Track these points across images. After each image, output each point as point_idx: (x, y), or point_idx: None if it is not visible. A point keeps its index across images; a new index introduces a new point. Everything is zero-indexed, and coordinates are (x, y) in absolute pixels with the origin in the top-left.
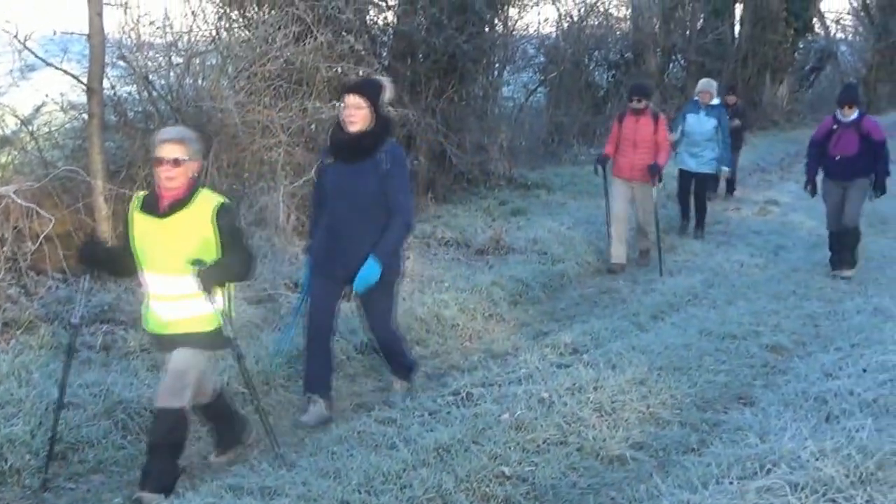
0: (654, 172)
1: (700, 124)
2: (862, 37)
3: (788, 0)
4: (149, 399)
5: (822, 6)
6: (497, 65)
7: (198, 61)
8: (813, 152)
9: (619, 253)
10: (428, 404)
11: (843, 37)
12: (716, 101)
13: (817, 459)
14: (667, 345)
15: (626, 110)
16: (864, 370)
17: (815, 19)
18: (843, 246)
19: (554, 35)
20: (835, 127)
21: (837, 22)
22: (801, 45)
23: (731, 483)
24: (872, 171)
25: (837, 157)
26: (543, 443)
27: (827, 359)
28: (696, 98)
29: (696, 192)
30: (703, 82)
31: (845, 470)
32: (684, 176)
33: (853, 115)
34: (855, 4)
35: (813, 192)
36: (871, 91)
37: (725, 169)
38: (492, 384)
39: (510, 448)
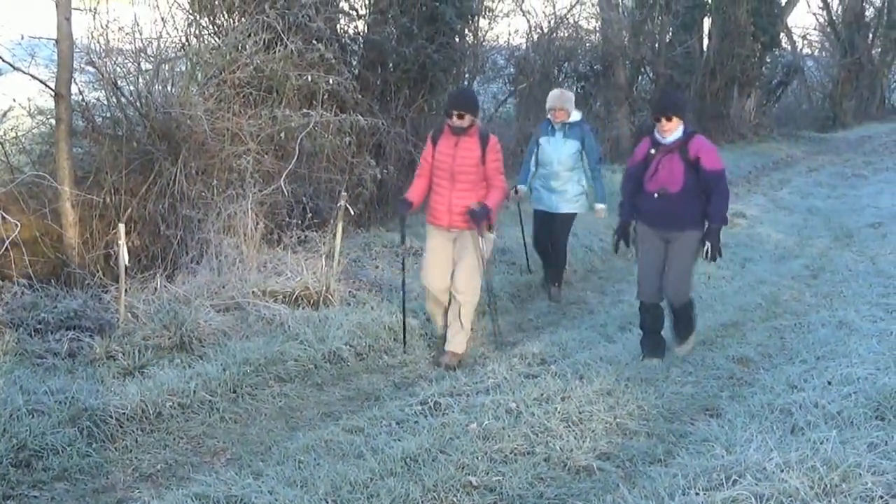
0: (478, 218)
1: (556, 150)
2: (828, 52)
3: (756, 15)
4: (115, 406)
5: (789, 21)
6: (467, 75)
7: (167, 68)
8: (627, 187)
9: (442, 332)
10: (395, 413)
11: (810, 52)
12: (575, 117)
13: (782, 471)
14: (634, 356)
15: (442, 127)
16: (829, 383)
17: (782, 34)
18: (659, 327)
19: (524, 46)
20: (652, 151)
21: (804, 37)
22: (769, 60)
23: (697, 494)
24: (701, 221)
25: (655, 195)
26: (511, 453)
27: (792, 371)
28: (548, 116)
29: (554, 238)
30: (554, 95)
31: (810, 481)
32: (541, 218)
33: (675, 132)
34: (821, 20)
35: (616, 248)
36: (836, 106)
37: (601, 206)
38: (459, 394)
39: (477, 458)
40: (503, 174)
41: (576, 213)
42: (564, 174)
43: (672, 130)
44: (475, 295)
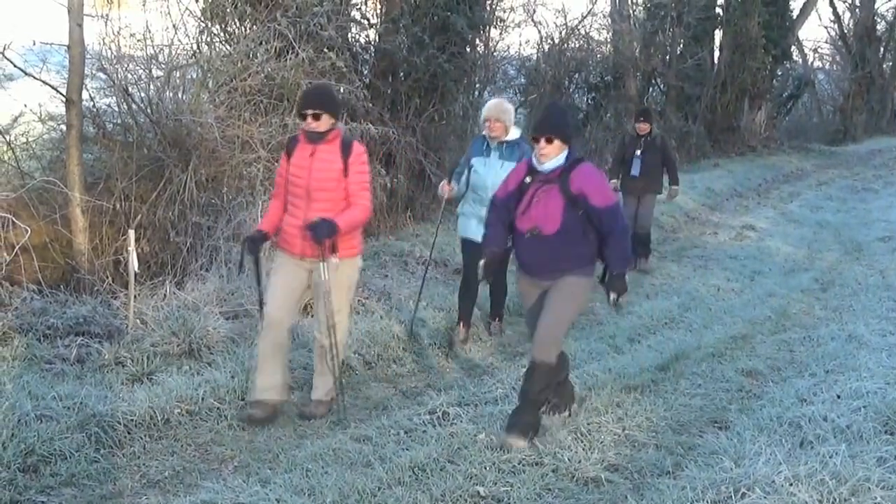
0: (317, 234)
1: (491, 174)
2: (839, 66)
3: (767, 27)
4: (123, 413)
5: (801, 34)
6: (478, 85)
7: (178, 75)
8: (491, 218)
9: (267, 382)
10: (404, 423)
11: (821, 65)
12: (514, 135)
13: (791, 484)
14: (643, 367)
15: (298, 135)
16: (839, 396)
17: (793, 47)
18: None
19: (535, 57)
20: (527, 179)
21: (815, 50)
22: (780, 73)
23: None
24: (588, 263)
25: (527, 235)
26: (519, 463)
27: (801, 384)
28: (483, 132)
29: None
30: (491, 104)
31: (819, 495)
32: (470, 250)
33: (555, 158)
34: (833, 34)
35: (484, 278)
36: (847, 120)
37: None
38: (468, 404)
39: (486, 468)
40: (369, 191)
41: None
42: None
43: (550, 155)
44: (344, 333)
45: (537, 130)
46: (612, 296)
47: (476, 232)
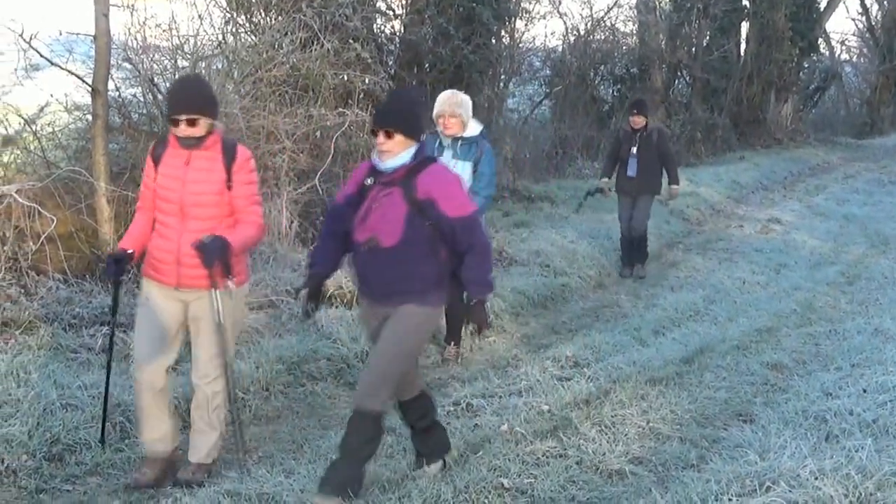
0: (208, 256)
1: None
2: (867, 58)
3: (794, 19)
4: None
5: (828, 26)
6: (503, 76)
7: (203, 65)
8: (328, 228)
9: (155, 434)
10: None
11: (848, 58)
12: (473, 130)
13: (816, 478)
14: (667, 360)
15: (166, 138)
16: (864, 390)
17: (820, 39)
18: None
19: (560, 48)
20: (368, 181)
21: (843, 43)
22: (806, 65)
23: (730, 500)
24: (435, 288)
25: (364, 247)
26: (543, 455)
27: (827, 378)
28: (437, 128)
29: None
30: (444, 97)
31: (844, 490)
32: None
33: (398, 156)
34: (860, 26)
35: (305, 313)
36: (874, 112)
37: None
38: (492, 396)
39: (509, 460)
40: (260, 205)
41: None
42: None
43: (393, 153)
44: (231, 377)
45: (375, 121)
46: (472, 328)
47: None
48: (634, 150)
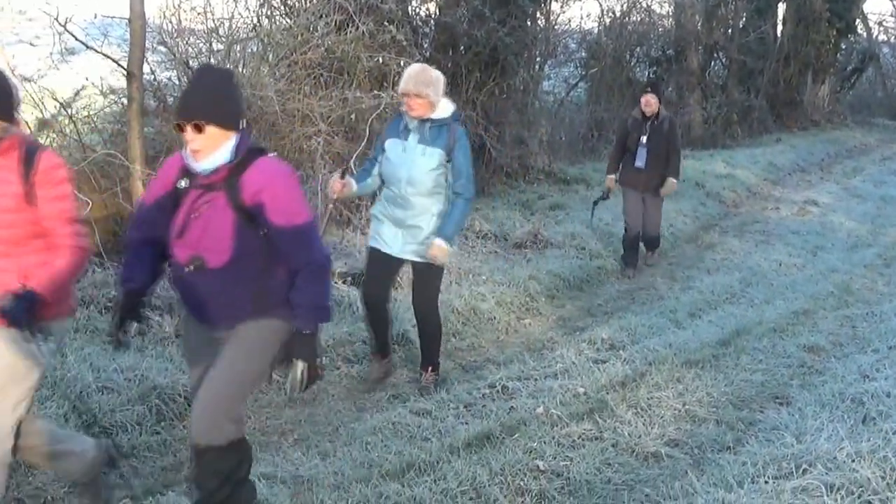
0: (14, 316)
1: (406, 160)
2: None
3: (831, 0)
4: (184, 385)
5: (865, 7)
6: (538, 59)
7: (238, 48)
8: (135, 239)
9: None
10: (463, 397)
11: (886, 39)
12: (444, 112)
13: (853, 461)
14: (704, 342)
15: None
16: None
17: (857, 20)
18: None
19: (596, 30)
20: (183, 183)
21: (880, 24)
22: (844, 46)
23: (766, 482)
24: (280, 303)
25: (187, 268)
26: (578, 438)
27: (864, 360)
28: (401, 110)
29: (418, 300)
30: (411, 73)
31: (881, 472)
32: (377, 261)
33: (214, 154)
34: None
35: (115, 340)
36: None
37: (440, 242)
38: (528, 378)
39: (545, 442)
40: (75, 223)
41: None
42: (419, 201)
43: (207, 151)
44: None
45: (178, 113)
46: (300, 367)
47: (390, 242)
48: (644, 139)
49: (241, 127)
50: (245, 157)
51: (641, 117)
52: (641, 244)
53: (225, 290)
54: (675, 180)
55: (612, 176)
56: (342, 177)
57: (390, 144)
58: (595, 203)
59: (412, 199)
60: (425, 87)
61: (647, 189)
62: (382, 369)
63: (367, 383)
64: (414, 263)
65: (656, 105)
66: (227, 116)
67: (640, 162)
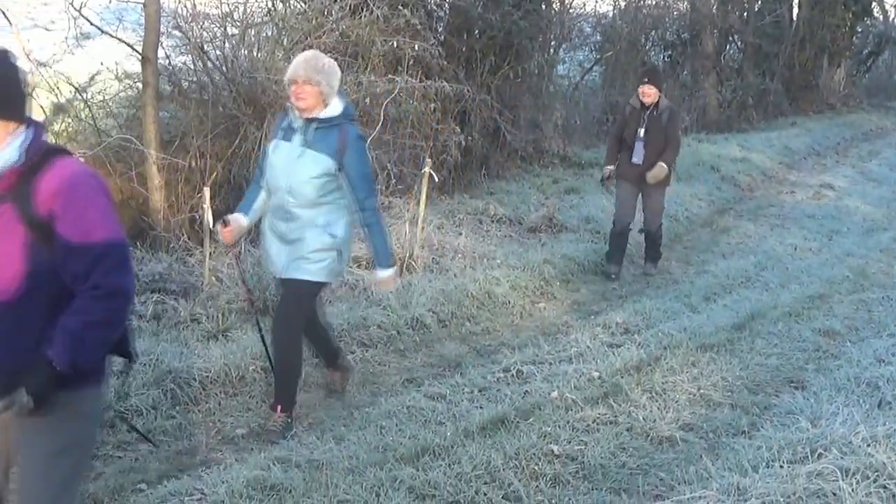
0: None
1: (287, 164)
2: None
3: None
4: (199, 369)
5: None
6: (553, 42)
7: (253, 32)
8: None
9: None
10: (478, 381)
11: None
12: (333, 110)
13: (869, 445)
14: (718, 327)
15: None
16: None
17: (874, 3)
18: None
19: (611, 14)
20: None
21: None
22: (860, 29)
23: (781, 467)
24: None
25: None
26: (593, 422)
27: (880, 344)
28: (287, 104)
29: (310, 328)
30: (299, 61)
31: None
32: (280, 289)
33: (1, 151)
34: None
35: None
36: None
37: (384, 273)
38: (542, 362)
39: (559, 426)
40: None
41: (317, 285)
42: (302, 213)
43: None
44: None
45: None
46: (18, 399)
47: (275, 258)
48: (642, 131)
49: (28, 119)
50: (40, 159)
51: (640, 106)
52: (643, 243)
53: (12, 335)
54: (665, 167)
55: (611, 167)
56: (225, 225)
57: (273, 147)
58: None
59: (294, 211)
60: (317, 74)
61: (644, 183)
62: (339, 374)
63: (337, 391)
64: (285, 281)
65: (655, 95)
66: (6, 106)
67: (637, 158)
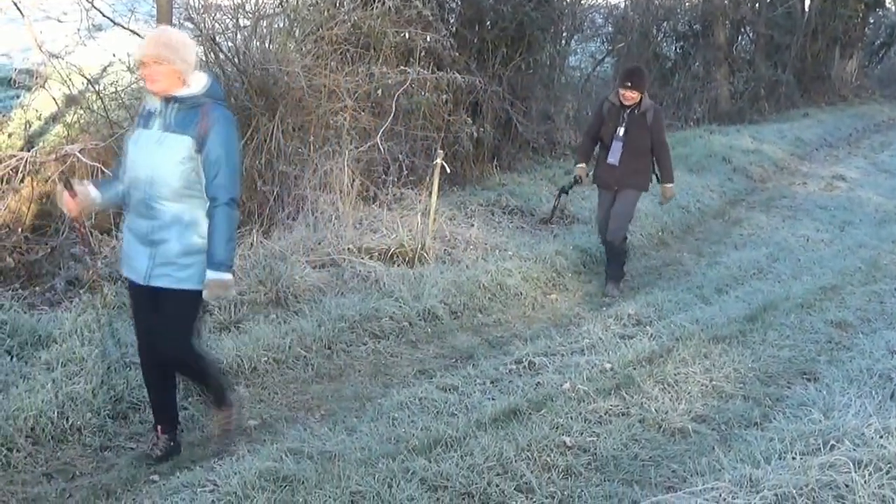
0: None
1: (146, 155)
2: None
3: None
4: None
5: None
6: (565, 34)
7: (265, 24)
8: None
9: None
10: (490, 372)
11: None
12: (196, 87)
13: (881, 437)
14: (731, 318)
15: None
16: None
17: None
18: None
19: (622, 5)
20: None
21: None
22: (872, 20)
23: (793, 458)
24: None
25: None
26: (605, 414)
27: (892, 336)
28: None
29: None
30: (147, 40)
31: None
32: (136, 303)
33: None
34: None
35: None
36: None
37: (216, 277)
38: (554, 354)
39: (571, 418)
40: None
41: (191, 294)
42: (166, 207)
43: None
44: None
45: None
46: None
47: (134, 264)
48: (621, 131)
49: None
50: None
51: (619, 104)
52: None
53: None
54: (672, 185)
55: (583, 165)
56: (70, 188)
57: (134, 139)
58: (561, 192)
59: (157, 206)
60: (166, 50)
61: (620, 186)
62: (163, 443)
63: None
64: (161, 291)
65: (636, 98)
66: None
67: (613, 158)
